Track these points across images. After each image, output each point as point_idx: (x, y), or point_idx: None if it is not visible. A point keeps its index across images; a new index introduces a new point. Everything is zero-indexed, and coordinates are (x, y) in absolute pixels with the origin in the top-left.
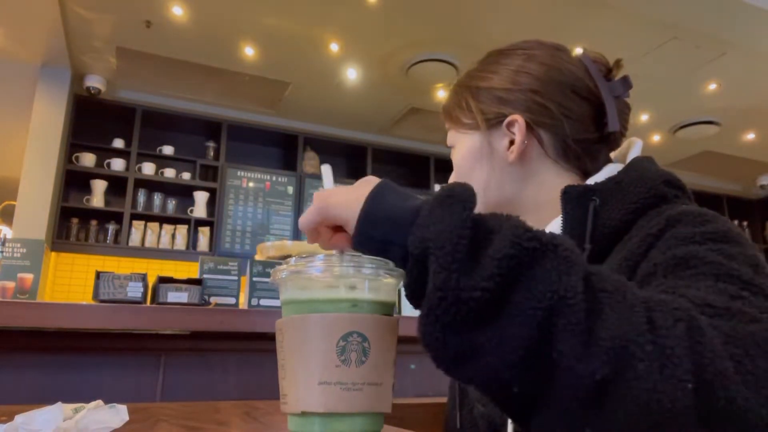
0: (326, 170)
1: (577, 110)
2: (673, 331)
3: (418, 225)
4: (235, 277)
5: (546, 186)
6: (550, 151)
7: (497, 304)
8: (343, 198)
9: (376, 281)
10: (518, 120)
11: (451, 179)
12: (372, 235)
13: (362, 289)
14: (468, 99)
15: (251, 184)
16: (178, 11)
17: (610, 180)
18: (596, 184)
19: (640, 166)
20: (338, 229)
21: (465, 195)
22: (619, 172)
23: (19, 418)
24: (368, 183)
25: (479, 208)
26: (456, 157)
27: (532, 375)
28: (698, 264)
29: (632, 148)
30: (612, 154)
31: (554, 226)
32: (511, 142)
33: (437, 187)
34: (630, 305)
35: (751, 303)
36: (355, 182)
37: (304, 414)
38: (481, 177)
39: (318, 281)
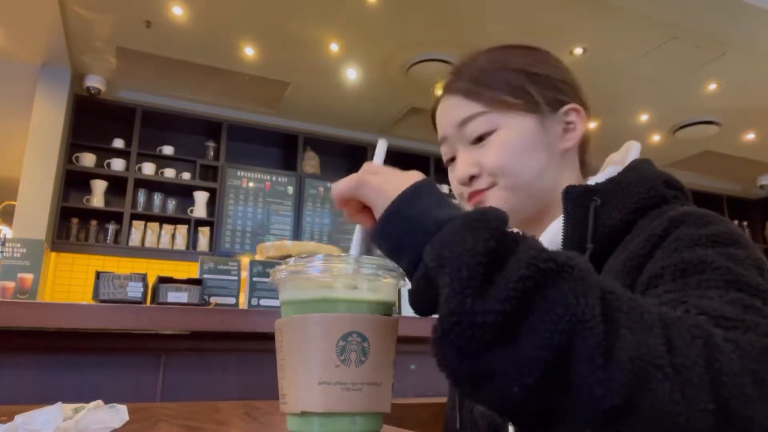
0: (382, 145)
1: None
2: (690, 351)
3: (440, 239)
4: (235, 277)
5: (575, 181)
6: (587, 146)
7: (513, 327)
8: (383, 183)
9: (376, 281)
10: (580, 110)
11: (498, 161)
12: (392, 230)
13: (362, 289)
14: (523, 81)
15: (251, 184)
16: (178, 11)
17: (610, 181)
18: (597, 184)
19: (640, 168)
20: (367, 207)
21: (495, 222)
22: (619, 173)
23: (19, 418)
24: (412, 178)
25: (527, 196)
26: (505, 138)
27: (549, 397)
28: (707, 269)
29: (631, 150)
30: (610, 157)
31: (556, 225)
32: (565, 130)
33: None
34: (647, 325)
35: (764, 313)
36: (406, 172)
37: (303, 414)
38: (537, 161)
39: (317, 281)
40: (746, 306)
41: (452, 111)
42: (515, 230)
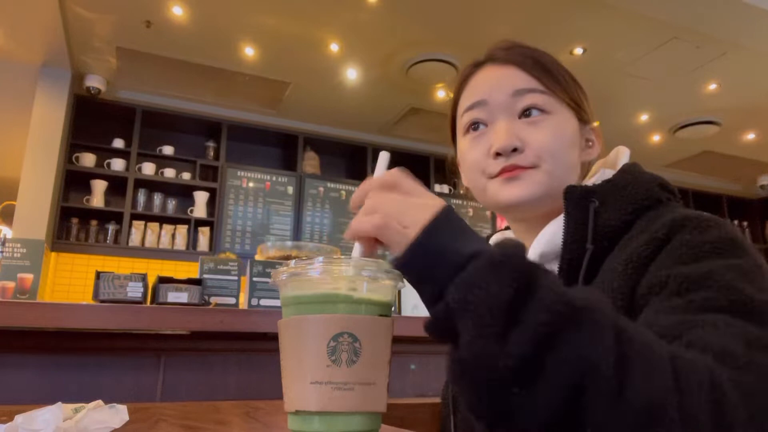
0: (384, 158)
1: None
2: (698, 396)
3: (464, 281)
4: (235, 277)
5: None
6: (588, 167)
7: (532, 369)
8: (402, 223)
9: (374, 282)
10: (600, 133)
11: (549, 144)
12: (416, 264)
13: (360, 290)
14: (574, 85)
15: (251, 184)
16: (178, 11)
17: (607, 182)
18: (595, 185)
19: (634, 170)
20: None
21: (517, 261)
22: (614, 176)
23: (19, 418)
24: (428, 209)
25: (557, 188)
26: (558, 125)
27: None
28: (712, 284)
29: (621, 155)
30: (599, 162)
31: (554, 225)
32: (585, 146)
33: (437, 188)
34: (658, 368)
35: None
36: (417, 192)
37: (298, 413)
38: (573, 158)
39: (316, 283)
40: (750, 341)
41: (509, 78)
42: (537, 264)
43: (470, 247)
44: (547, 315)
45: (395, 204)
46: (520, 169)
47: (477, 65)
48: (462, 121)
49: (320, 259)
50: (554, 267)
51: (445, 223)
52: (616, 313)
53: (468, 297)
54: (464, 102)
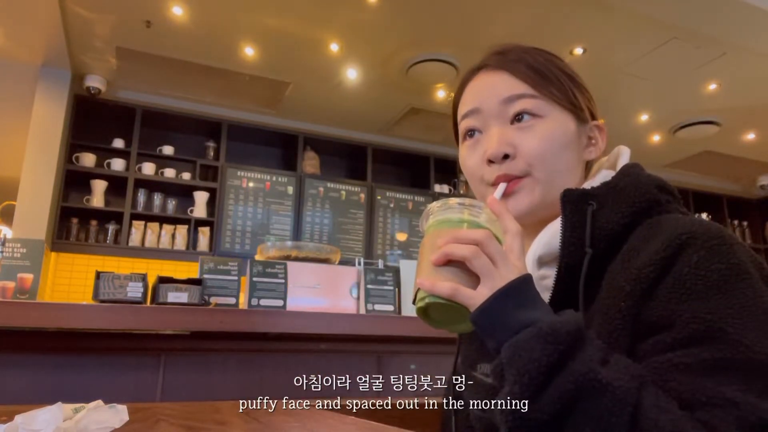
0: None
1: None
2: None
3: (515, 344)
4: (235, 277)
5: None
6: (593, 163)
7: (556, 425)
8: (497, 266)
9: (492, 217)
10: (604, 129)
11: (540, 149)
12: (483, 323)
13: (482, 220)
14: (570, 84)
15: (251, 184)
16: (178, 11)
17: (605, 185)
18: (593, 188)
19: (633, 172)
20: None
21: (565, 337)
22: (613, 178)
23: (19, 418)
24: (515, 271)
25: (554, 194)
26: (549, 129)
27: None
28: (721, 337)
29: (621, 155)
30: (600, 162)
31: (554, 226)
32: (587, 144)
33: (437, 187)
34: None
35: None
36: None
37: (428, 303)
38: (570, 161)
39: (454, 209)
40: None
41: (500, 85)
42: (582, 336)
43: (530, 316)
44: (573, 384)
45: (498, 251)
46: (516, 182)
47: (473, 71)
48: (460, 128)
49: (461, 199)
50: (552, 270)
51: (516, 292)
52: (640, 392)
53: (515, 357)
54: (461, 109)
